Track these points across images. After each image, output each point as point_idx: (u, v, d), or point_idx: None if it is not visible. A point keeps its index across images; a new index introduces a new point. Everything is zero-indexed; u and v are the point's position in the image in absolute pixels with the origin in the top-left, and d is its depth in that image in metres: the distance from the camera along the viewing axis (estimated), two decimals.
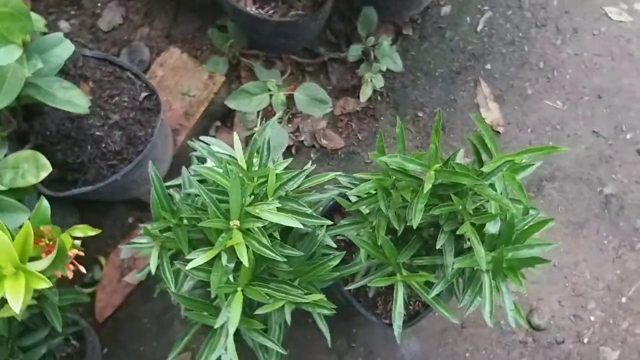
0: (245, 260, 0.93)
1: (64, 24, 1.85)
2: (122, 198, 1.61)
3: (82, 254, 1.04)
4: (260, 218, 0.97)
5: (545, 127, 1.90)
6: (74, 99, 1.21)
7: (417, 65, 1.91)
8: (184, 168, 1.12)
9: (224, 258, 0.96)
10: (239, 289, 0.99)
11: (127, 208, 1.71)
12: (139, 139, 1.43)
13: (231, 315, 0.96)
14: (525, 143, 1.89)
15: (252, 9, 1.62)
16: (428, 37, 1.93)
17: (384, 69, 1.75)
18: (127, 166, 1.40)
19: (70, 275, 1.02)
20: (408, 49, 1.92)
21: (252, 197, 1.04)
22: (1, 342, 1.19)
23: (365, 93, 1.78)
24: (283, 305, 1.05)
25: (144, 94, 1.45)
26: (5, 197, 1.14)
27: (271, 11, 1.62)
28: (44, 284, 0.89)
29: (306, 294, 1.11)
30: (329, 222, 1.06)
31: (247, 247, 0.95)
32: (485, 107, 1.90)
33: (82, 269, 1.04)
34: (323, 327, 1.15)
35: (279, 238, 1.03)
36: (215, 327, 0.97)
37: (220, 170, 1.02)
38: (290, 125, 1.84)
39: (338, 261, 1.14)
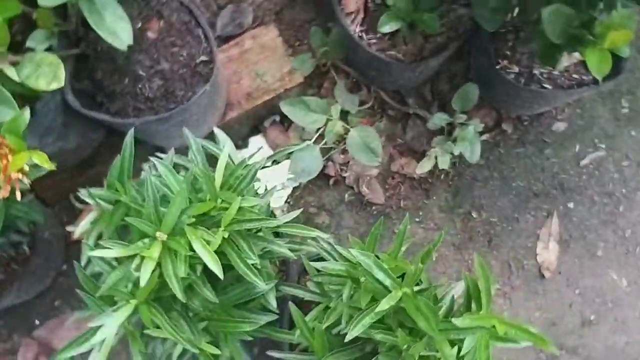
0: (144, 279, 0.83)
1: None
2: (142, 141, 1.56)
3: (25, 181, 0.98)
4: (189, 244, 0.87)
5: (596, 298, 1.67)
6: (119, 31, 1.15)
7: (499, 165, 1.72)
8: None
9: (134, 263, 0.87)
10: (134, 302, 0.89)
11: (150, 152, 1.66)
12: (176, 97, 1.37)
13: (109, 324, 0.87)
14: (565, 303, 1.66)
15: (355, 29, 1.50)
16: (525, 144, 1.74)
17: (456, 152, 1.58)
18: (150, 117, 1.34)
19: (4, 193, 0.96)
20: (498, 145, 1.73)
21: (204, 217, 0.94)
22: None
23: (424, 166, 1.62)
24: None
25: (202, 58, 1.38)
26: (4, 88, 1.10)
27: (373, 40, 1.50)
28: None
29: (211, 341, 1.00)
30: (261, 285, 0.94)
31: (157, 266, 0.86)
32: (544, 243, 1.69)
33: (18, 195, 0.98)
34: None
35: (201, 274, 0.92)
36: (89, 325, 0.89)
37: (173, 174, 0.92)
38: (342, 156, 1.72)
39: (262, 324, 1.02)
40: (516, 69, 1.49)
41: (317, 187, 1.72)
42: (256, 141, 1.75)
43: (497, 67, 1.48)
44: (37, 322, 1.68)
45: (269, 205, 1.18)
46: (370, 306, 0.96)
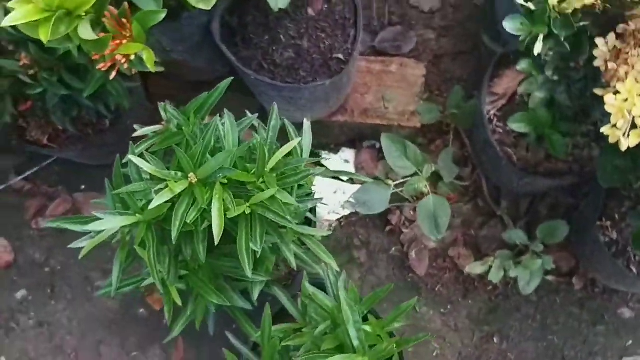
0: (155, 203, 0.86)
1: None
2: (250, 94, 1.61)
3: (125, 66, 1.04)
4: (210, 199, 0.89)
5: None
6: None
7: (547, 312, 1.62)
8: None
9: (158, 187, 0.91)
10: (139, 217, 0.93)
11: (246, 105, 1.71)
12: (297, 75, 1.40)
13: (109, 221, 0.92)
14: None
15: (490, 110, 1.46)
16: (584, 309, 1.62)
17: (512, 275, 1.51)
18: (266, 79, 1.38)
19: (103, 66, 1.02)
20: (558, 292, 1.63)
21: (240, 185, 0.97)
22: None
23: (476, 268, 1.56)
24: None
25: (339, 56, 1.40)
26: None
27: (500, 129, 1.46)
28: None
29: (181, 291, 1.03)
30: (246, 271, 0.95)
31: (173, 200, 0.89)
32: None
33: (112, 75, 1.03)
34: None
35: (205, 230, 0.94)
36: (94, 212, 0.94)
37: None
38: (411, 212, 1.69)
39: (233, 305, 1.04)
40: (614, 235, 1.40)
41: (373, 225, 1.71)
42: (347, 154, 1.75)
43: (597, 223, 1.40)
44: (83, 187, 1.80)
45: (308, 210, 1.19)
46: (329, 355, 0.95)
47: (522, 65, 1.30)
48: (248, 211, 0.95)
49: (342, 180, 1.74)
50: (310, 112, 1.57)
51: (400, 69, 1.71)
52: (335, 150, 1.75)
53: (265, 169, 0.98)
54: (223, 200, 0.91)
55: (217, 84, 1.08)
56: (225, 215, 0.92)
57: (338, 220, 1.73)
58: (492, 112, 1.48)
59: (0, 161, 1.74)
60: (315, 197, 1.18)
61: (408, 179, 1.56)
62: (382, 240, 1.71)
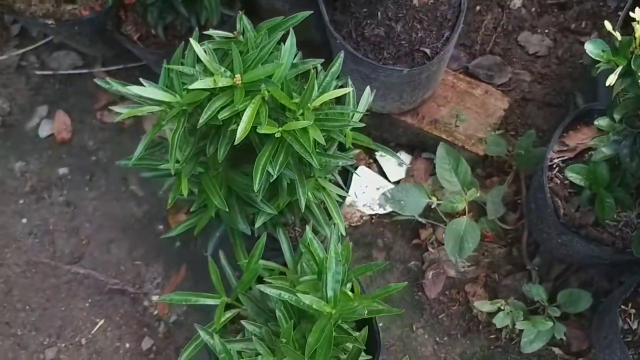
0: (196, 86, 0.90)
1: None
2: None
3: None
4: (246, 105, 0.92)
5: None
6: None
7: None
8: None
9: (204, 75, 0.94)
10: (180, 102, 0.97)
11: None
12: (379, 54, 1.42)
13: (154, 94, 0.96)
14: None
15: (554, 158, 1.42)
16: None
17: (518, 327, 1.45)
18: (349, 47, 1.40)
19: None
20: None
21: (281, 107, 0.99)
22: None
23: (485, 306, 1.51)
24: None
25: (426, 50, 1.41)
26: None
27: (556, 179, 1.41)
28: None
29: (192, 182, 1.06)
30: (252, 194, 0.96)
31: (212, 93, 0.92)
32: None
33: None
34: None
35: (231, 132, 0.97)
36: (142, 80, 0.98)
37: None
38: (442, 235, 1.65)
39: (228, 224, 1.05)
40: (635, 325, 1.32)
41: (402, 233, 1.69)
42: (403, 157, 1.75)
43: (621, 306, 1.33)
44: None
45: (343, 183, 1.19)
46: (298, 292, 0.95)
47: (601, 122, 1.27)
48: (278, 135, 0.97)
49: (389, 181, 1.73)
50: (381, 100, 1.58)
51: (484, 96, 1.69)
52: (393, 150, 1.75)
53: (309, 104, 0.99)
54: (258, 112, 0.93)
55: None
56: (255, 128, 0.94)
57: (370, 215, 1.72)
58: (555, 160, 1.44)
59: (92, 48, 1.84)
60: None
61: (451, 195, 1.53)
62: (404, 250, 1.68)
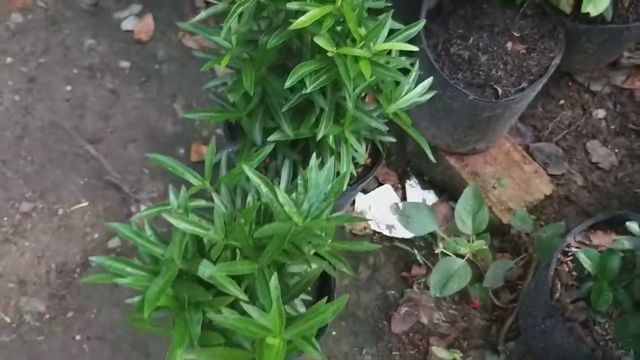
0: None
1: None
2: None
3: None
4: None
5: None
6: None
7: None
8: None
9: None
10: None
11: None
12: (450, 71, 1.43)
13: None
14: None
15: (566, 274, 1.37)
16: None
17: None
18: (432, 55, 1.43)
19: None
20: None
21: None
22: None
23: (440, 352, 1.43)
24: None
25: (497, 87, 1.41)
26: None
27: (568, 280, 1.36)
28: None
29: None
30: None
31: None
32: None
33: None
34: None
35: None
36: None
37: None
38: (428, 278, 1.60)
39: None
40: None
41: (396, 260, 1.65)
42: (430, 196, 1.73)
43: None
44: None
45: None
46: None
47: (633, 225, 1.23)
48: (330, 54, 0.98)
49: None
50: (435, 127, 1.58)
51: (532, 175, 1.67)
52: (424, 185, 1.73)
53: (372, 42, 1.00)
54: (322, 19, 0.95)
55: None
56: (312, 37, 0.96)
57: (374, 231, 1.68)
58: (573, 249, 1.38)
59: None
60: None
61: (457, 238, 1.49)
62: (390, 277, 1.63)
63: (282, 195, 0.89)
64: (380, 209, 1.70)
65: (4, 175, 1.69)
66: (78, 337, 1.52)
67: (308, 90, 0.99)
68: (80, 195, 1.68)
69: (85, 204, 1.67)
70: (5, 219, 1.63)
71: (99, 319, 1.54)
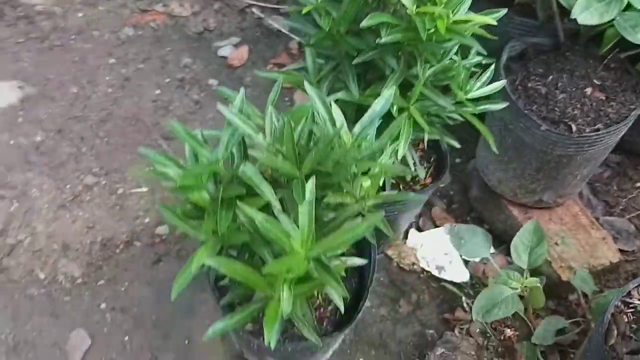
0: None
1: None
2: None
3: None
4: None
5: None
6: None
7: None
8: None
9: None
10: None
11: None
12: (526, 106, 1.42)
13: None
14: None
15: None
16: None
17: None
18: (499, 84, 1.44)
19: None
20: None
21: None
22: None
23: None
24: None
25: (572, 126, 1.38)
26: None
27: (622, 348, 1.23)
28: None
29: None
30: None
31: None
32: None
33: None
34: None
35: None
36: None
37: None
38: (477, 331, 1.48)
39: None
40: None
41: (438, 302, 1.55)
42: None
43: None
44: None
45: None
46: None
47: None
48: (410, 11, 1.02)
49: (460, 256, 1.63)
50: (502, 171, 1.55)
51: (600, 241, 1.57)
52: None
53: (451, 13, 1.03)
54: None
55: None
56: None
57: (423, 269, 1.61)
58: (635, 299, 1.26)
59: None
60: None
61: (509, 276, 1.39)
62: (432, 317, 1.53)
63: (336, 113, 0.89)
64: (433, 249, 1.63)
65: (79, 149, 1.77)
66: (103, 306, 1.49)
67: (382, 40, 1.02)
68: (142, 181, 1.73)
69: (144, 189, 1.71)
70: (68, 187, 1.69)
71: (128, 292, 1.51)
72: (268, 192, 0.87)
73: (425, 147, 1.47)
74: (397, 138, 1.08)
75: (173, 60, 2.06)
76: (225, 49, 2.10)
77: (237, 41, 2.14)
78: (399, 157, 1.07)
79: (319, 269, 0.88)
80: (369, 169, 0.93)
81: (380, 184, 1.21)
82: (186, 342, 1.45)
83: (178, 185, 0.87)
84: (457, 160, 1.84)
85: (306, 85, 0.92)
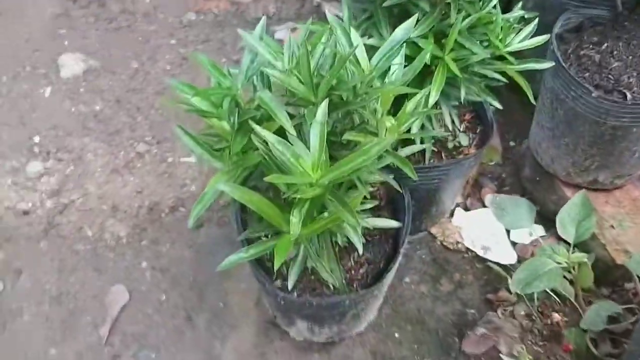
0: None
1: None
2: None
3: None
4: None
5: None
6: None
7: None
8: None
9: None
10: None
11: None
12: (577, 74, 1.35)
13: None
14: None
15: None
16: None
17: None
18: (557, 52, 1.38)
19: None
20: None
21: None
22: None
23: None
24: None
25: (627, 93, 1.29)
26: None
27: None
28: None
29: None
30: None
31: None
32: None
33: None
34: None
35: None
36: None
37: None
38: (522, 313, 1.40)
39: None
40: None
41: (481, 283, 1.49)
42: (539, 228, 1.56)
43: None
44: None
45: None
46: None
47: None
48: None
49: (507, 236, 1.56)
50: (555, 147, 1.47)
51: None
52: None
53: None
54: None
55: None
56: None
57: (467, 249, 1.54)
58: None
59: None
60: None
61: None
62: (474, 297, 1.47)
63: (354, 37, 0.87)
64: (480, 228, 1.57)
65: (135, 119, 1.83)
66: (144, 264, 1.52)
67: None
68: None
69: (193, 159, 1.74)
70: (122, 153, 1.75)
71: (169, 253, 1.54)
72: (283, 117, 0.86)
73: (470, 118, 1.43)
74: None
75: (230, 43, 2.11)
76: (281, 32, 2.13)
77: (293, 25, 2.16)
78: (430, 104, 1.04)
79: (333, 200, 0.86)
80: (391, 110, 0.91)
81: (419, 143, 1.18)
82: (221, 304, 1.46)
83: (195, 107, 0.88)
84: (512, 143, 1.77)
85: (327, 13, 0.91)
